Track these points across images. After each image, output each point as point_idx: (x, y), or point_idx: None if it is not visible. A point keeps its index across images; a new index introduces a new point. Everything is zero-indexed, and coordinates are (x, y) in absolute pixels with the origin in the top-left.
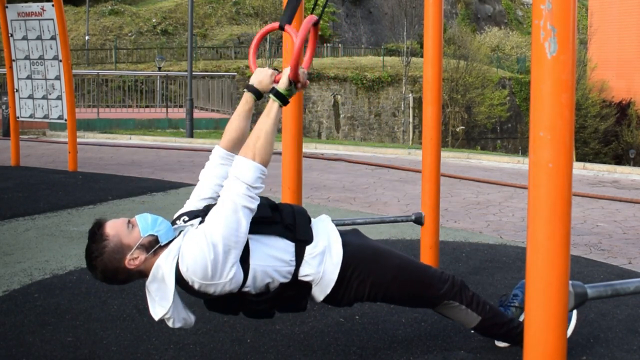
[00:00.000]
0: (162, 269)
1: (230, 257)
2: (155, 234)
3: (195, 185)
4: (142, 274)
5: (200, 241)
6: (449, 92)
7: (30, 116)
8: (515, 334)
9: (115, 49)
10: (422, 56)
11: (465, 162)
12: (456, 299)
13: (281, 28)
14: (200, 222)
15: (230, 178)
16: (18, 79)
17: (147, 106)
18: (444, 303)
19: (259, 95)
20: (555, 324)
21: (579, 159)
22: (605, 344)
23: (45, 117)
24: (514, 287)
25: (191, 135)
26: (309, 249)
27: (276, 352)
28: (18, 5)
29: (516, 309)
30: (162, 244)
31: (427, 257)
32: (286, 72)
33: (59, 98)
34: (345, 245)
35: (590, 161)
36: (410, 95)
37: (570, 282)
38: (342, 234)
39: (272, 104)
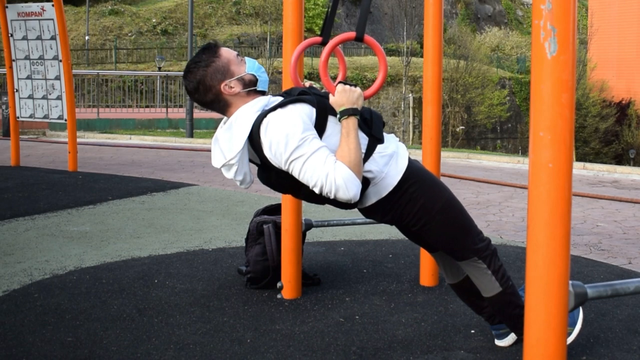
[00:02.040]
0: (242, 119)
1: (294, 164)
2: (257, 77)
3: (195, 185)
4: (225, 106)
5: (297, 124)
6: (449, 92)
7: (30, 116)
8: (522, 322)
9: (115, 49)
10: (422, 56)
11: (465, 162)
12: (485, 261)
13: (324, 43)
14: (285, 99)
15: (346, 176)
16: (18, 79)
17: (147, 106)
18: (472, 259)
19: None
20: (555, 324)
21: (579, 159)
22: (605, 344)
23: (45, 117)
24: (518, 289)
25: (191, 135)
26: (379, 147)
27: (276, 352)
28: (18, 5)
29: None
30: (257, 89)
31: (427, 256)
32: (359, 91)
33: (59, 98)
34: (410, 160)
35: (590, 161)
36: (410, 95)
37: (570, 282)
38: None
39: (354, 122)
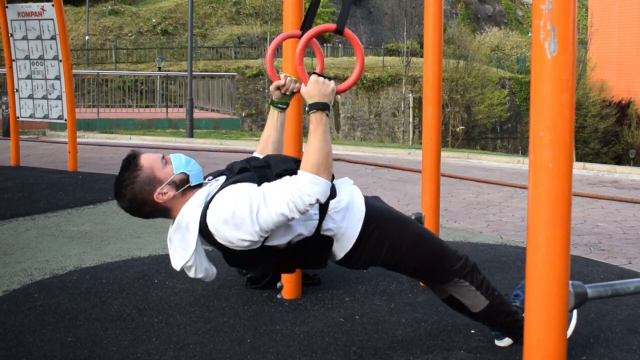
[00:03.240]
0: (187, 217)
1: (260, 221)
2: (188, 173)
3: None
4: (165, 212)
5: (239, 197)
6: (448, 92)
7: (30, 116)
8: (517, 328)
9: (115, 49)
10: (422, 56)
11: (465, 162)
12: (467, 278)
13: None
14: (227, 178)
15: (306, 188)
16: (18, 79)
17: (147, 106)
18: (454, 281)
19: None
20: (556, 324)
21: (579, 159)
22: (605, 344)
23: (45, 117)
24: (516, 288)
25: (191, 135)
26: (332, 203)
27: (276, 352)
28: (18, 5)
29: (517, 309)
30: (192, 185)
31: None
32: (333, 85)
33: (59, 98)
34: (367, 205)
35: (590, 161)
36: (410, 95)
37: (570, 282)
38: (365, 196)
39: (323, 117)
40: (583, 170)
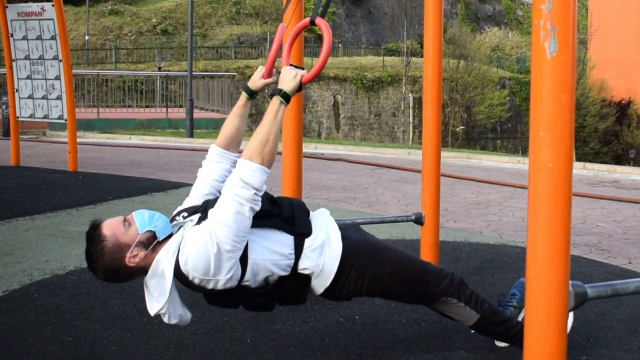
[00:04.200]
0: (162, 264)
1: (232, 254)
2: (153, 230)
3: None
4: (143, 271)
5: (203, 237)
6: (448, 92)
7: (30, 116)
8: (513, 333)
9: (115, 49)
10: (422, 56)
11: (465, 162)
12: (454, 295)
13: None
14: (200, 218)
15: (236, 180)
16: (18, 78)
17: (147, 106)
18: (442, 300)
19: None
20: (555, 324)
21: (578, 159)
22: (605, 344)
23: (45, 117)
24: (512, 287)
25: (191, 135)
26: (308, 241)
27: (276, 352)
28: (18, 5)
29: (514, 309)
30: (160, 240)
31: (427, 257)
32: (299, 74)
33: (59, 98)
34: (344, 239)
35: (590, 161)
36: (410, 95)
37: (570, 282)
38: (342, 228)
39: (280, 106)
40: (583, 170)
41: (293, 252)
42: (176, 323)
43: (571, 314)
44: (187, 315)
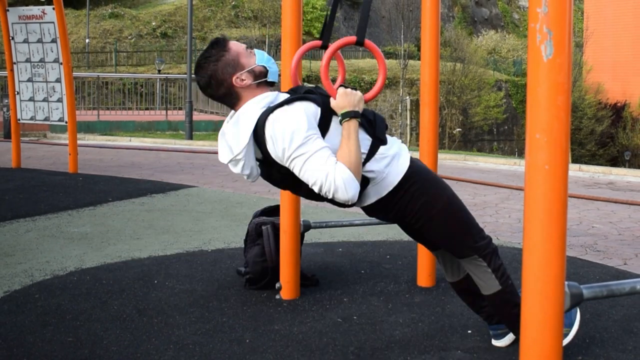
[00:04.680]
0: (248, 114)
1: (294, 162)
2: (267, 68)
3: (194, 187)
4: (236, 99)
5: (302, 120)
6: (445, 94)
7: (31, 118)
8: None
9: (115, 52)
10: (419, 59)
11: (462, 163)
12: (486, 259)
13: (324, 47)
14: (291, 96)
15: (347, 177)
16: (19, 81)
17: (147, 108)
18: (472, 257)
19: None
20: (552, 325)
21: (574, 161)
22: (601, 344)
23: (46, 119)
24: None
25: (190, 137)
26: (382, 149)
27: (275, 352)
28: (19, 8)
29: None
30: (268, 80)
31: (424, 257)
32: (360, 95)
33: (60, 100)
34: (412, 160)
35: (586, 163)
36: (407, 97)
37: (566, 282)
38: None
39: (355, 124)
40: (579, 172)
41: (367, 152)
42: (247, 174)
43: (577, 321)
44: (257, 171)
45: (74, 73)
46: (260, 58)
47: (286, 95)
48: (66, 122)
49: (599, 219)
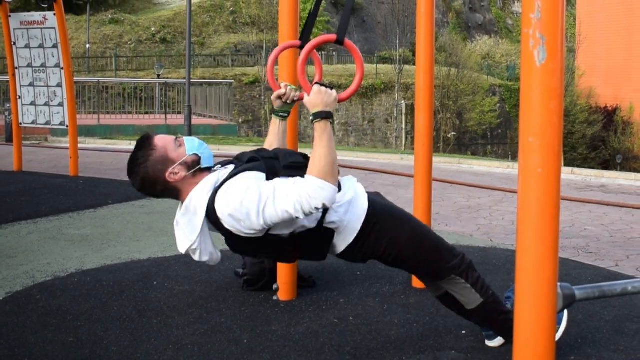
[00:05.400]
0: (195, 201)
1: (265, 215)
2: (199, 155)
3: None
4: (175, 193)
5: (249, 187)
6: (440, 99)
7: (33, 122)
8: (509, 327)
9: (115, 57)
10: (414, 64)
11: (457, 167)
12: (462, 275)
13: (302, 48)
14: (235, 167)
15: (314, 191)
16: (21, 86)
17: (146, 113)
18: (450, 277)
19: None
20: (545, 325)
21: (567, 164)
22: (593, 345)
23: (47, 123)
24: (506, 290)
25: None
26: (337, 196)
27: (272, 353)
28: (21, 14)
29: (510, 309)
30: (202, 167)
31: None
32: (334, 94)
33: (61, 105)
34: (369, 200)
35: (578, 166)
36: (402, 102)
37: (558, 284)
38: (367, 192)
39: (327, 125)
40: (571, 175)
41: None
42: (206, 261)
43: (564, 318)
44: (218, 255)
45: (74, 78)
46: (190, 147)
47: (230, 169)
48: (67, 126)
49: (591, 221)
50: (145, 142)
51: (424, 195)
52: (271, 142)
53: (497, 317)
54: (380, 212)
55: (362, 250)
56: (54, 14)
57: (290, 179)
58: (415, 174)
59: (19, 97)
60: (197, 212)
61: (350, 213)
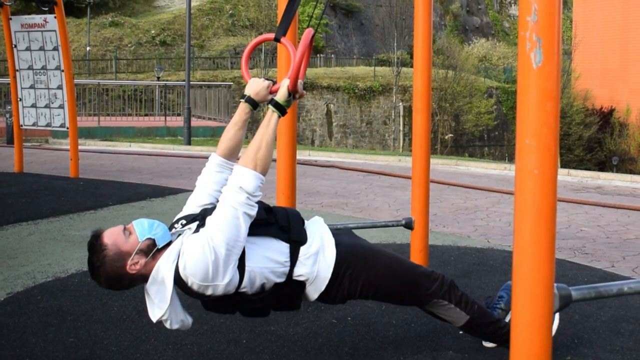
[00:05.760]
0: (162, 272)
1: (229, 260)
2: (153, 238)
3: (192, 190)
4: (144, 278)
5: (201, 244)
6: (438, 101)
7: (33, 124)
8: (501, 334)
9: (115, 60)
10: (412, 66)
11: (454, 168)
12: (445, 298)
13: (277, 40)
14: (199, 226)
15: (231, 186)
16: (22, 88)
17: (146, 115)
18: (433, 302)
19: (255, 106)
20: (541, 325)
21: (563, 166)
22: (589, 345)
23: (48, 125)
24: (500, 289)
25: (189, 143)
26: (303, 249)
27: (271, 353)
28: (22, 17)
29: (502, 311)
30: (159, 247)
31: (417, 260)
32: (285, 84)
33: (61, 107)
34: (338, 245)
35: (574, 168)
36: (400, 104)
37: (555, 284)
38: (335, 234)
39: (272, 115)
40: (567, 176)
41: (289, 259)
42: (178, 328)
43: (556, 317)
44: (188, 320)
45: (75, 80)
46: (141, 233)
47: (192, 230)
48: (67, 128)
49: (587, 222)
50: (94, 245)
51: (421, 196)
52: (238, 135)
53: (486, 329)
54: (349, 255)
55: (338, 294)
56: (55, 17)
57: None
58: (413, 175)
59: (20, 99)
60: (165, 283)
61: (319, 264)
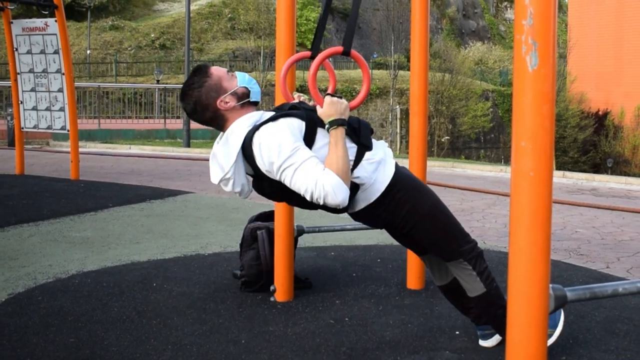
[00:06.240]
0: (236, 132)
1: (283, 173)
2: (249, 89)
3: (192, 193)
4: (222, 121)
5: (287, 133)
6: (434, 103)
7: (34, 127)
8: (505, 323)
9: (115, 63)
10: (409, 69)
11: (450, 170)
12: (471, 262)
13: (313, 57)
14: (277, 112)
15: (335, 183)
16: (22, 91)
17: (146, 117)
18: (458, 261)
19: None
20: (537, 326)
21: (558, 168)
22: (584, 345)
23: (49, 127)
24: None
25: (188, 145)
26: (368, 154)
27: (269, 352)
28: (23, 20)
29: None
30: (251, 100)
31: (414, 261)
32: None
33: (62, 109)
34: (396, 167)
35: (569, 170)
36: (397, 106)
37: (550, 285)
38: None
39: (338, 130)
40: (563, 178)
41: (353, 159)
42: (238, 192)
43: (561, 322)
44: (249, 187)
45: (75, 83)
46: (241, 80)
47: (271, 113)
48: (68, 131)
49: (583, 224)
50: (201, 69)
51: None
52: None
53: (496, 310)
54: (405, 180)
55: (382, 213)
56: (55, 21)
57: (317, 163)
58: None
59: (21, 102)
60: (234, 143)
61: (378, 173)
